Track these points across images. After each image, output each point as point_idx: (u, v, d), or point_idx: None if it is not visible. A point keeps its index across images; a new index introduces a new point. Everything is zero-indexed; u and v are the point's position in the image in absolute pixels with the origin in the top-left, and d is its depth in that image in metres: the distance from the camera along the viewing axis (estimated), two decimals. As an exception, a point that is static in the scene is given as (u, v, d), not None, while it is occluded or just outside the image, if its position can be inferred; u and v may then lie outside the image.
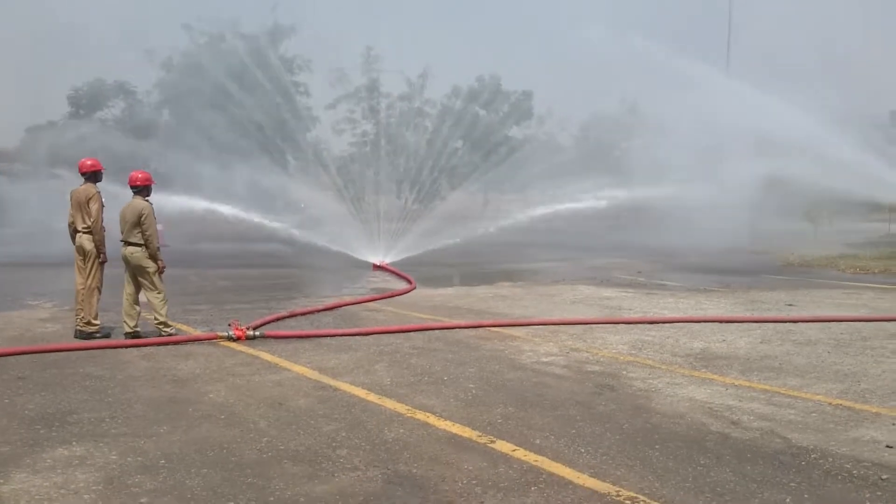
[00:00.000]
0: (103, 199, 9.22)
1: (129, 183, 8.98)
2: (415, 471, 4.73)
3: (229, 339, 8.91)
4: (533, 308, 11.77)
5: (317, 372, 7.43)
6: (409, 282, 14.84)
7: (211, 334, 9.07)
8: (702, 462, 4.83)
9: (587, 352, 8.33)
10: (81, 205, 9.11)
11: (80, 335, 9.09)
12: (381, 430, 5.58)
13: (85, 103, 34.87)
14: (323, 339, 9.16)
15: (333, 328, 9.84)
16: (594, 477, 4.56)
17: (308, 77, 38.48)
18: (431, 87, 39.31)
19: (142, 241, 8.79)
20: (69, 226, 9.37)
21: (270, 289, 14.12)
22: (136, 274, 8.89)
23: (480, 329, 9.77)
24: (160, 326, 8.91)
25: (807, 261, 19.37)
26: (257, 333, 9.08)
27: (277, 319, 10.43)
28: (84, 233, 9.14)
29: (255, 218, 18.35)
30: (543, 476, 4.59)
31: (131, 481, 4.59)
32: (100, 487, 4.50)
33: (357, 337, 9.27)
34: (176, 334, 9.01)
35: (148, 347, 8.53)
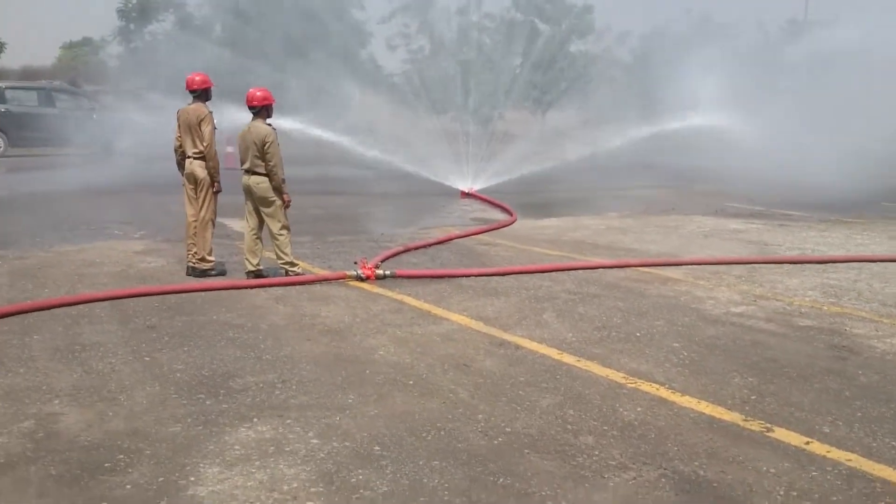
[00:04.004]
0: (215, 121, 8.22)
1: (247, 103, 7.93)
2: (702, 473, 3.77)
3: (358, 278, 8.02)
4: (664, 243, 10.69)
5: (481, 323, 6.49)
6: (509, 212, 13.77)
7: (339, 273, 8.17)
8: None
9: (776, 300, 7.28)
10: (192, 127, 8.10)
11: (194, 273, 8.23)
12: (612, 406, 4.64)
13: (135, 17, 33.56)
14: (458, 279, 8.20)
15: (458, 266, 8.95)
16: (950, 488, 3.56)
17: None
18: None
19: (266, 172, 7.78)
20: (176, 150, 8.40)
21: (365, 218, 13.16)
22: (260, 206, 7.93)
23: (628, 269, 8.74)
24: (286, 266, 8.01)
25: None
26: (387, 273, 8.17)
27: (395, 255, 9.50)
28: (196, 158, 8.16)
29: (346, 141, 17.26)
30: (878, 485, 3.62)
31: (356, 480, 3.70)
32: (320, 489, 3.62)
33: (495, 277, 8.30)
34: (302, 274, 8.10)
35: (276, 289, 7.65)
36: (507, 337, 6.08)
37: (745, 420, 4.41)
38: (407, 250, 9.89)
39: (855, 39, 22.86)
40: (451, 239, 10.93)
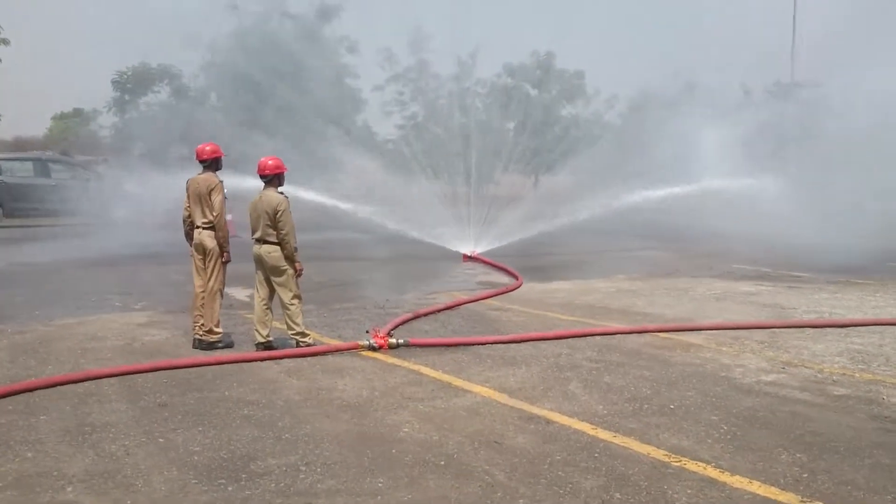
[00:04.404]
0: (226, 191, 8.08)
1: (259, 172, 7.81)
2: (772, 562, 3.51)
3: (371, 348, 7.80)
4: (678, 307, 10.51)
5: (505, 395, 6.25)
6: (515, 276, 13.59)
7: (351, 343, 7.93)
8: None
9: (805, 366, 7.07)
10: (202, 196, 7.96)
11: (201, 345, 7.99)
12: (661, 489, 4.38)
13: (130, 88, 33.75)
14: (474, 347, 7.98)
15: (472, 333, 8.81)
16: None
17: (355, 59, 37.17)
18: (483, 66, 37.57)
19: (278, 241, 7.62)
20: (184, 220, 8.25)
21: (369, 284, 12.97)
22: (271, 276, 7.73)
23: (647, 335, 8.54)
24: (297, 337, 7.77)
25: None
26: (401, 342, 7.94)
27: (405, 322, 9.29)
28: (205, 228, 8.01)
29: (363, 210, 17.22)
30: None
31: (400, 578, 3.41)
32: (363, 588, 3.33)
33: (513, 345, 8.09)
34: (314, 344, 7.86)
35: (288, 361, 7.40)
36: (535, 410, 5.84)
37: (803, 501, 4.18)
38: (416, 317, 9.68)
39: (840, 98, 23.15)
40: (459, 304, 10.73)
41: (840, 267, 14.21)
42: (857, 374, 6.76)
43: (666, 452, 4.91)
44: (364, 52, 36.80)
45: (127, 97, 33.43)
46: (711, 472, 4.60)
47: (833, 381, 6.59)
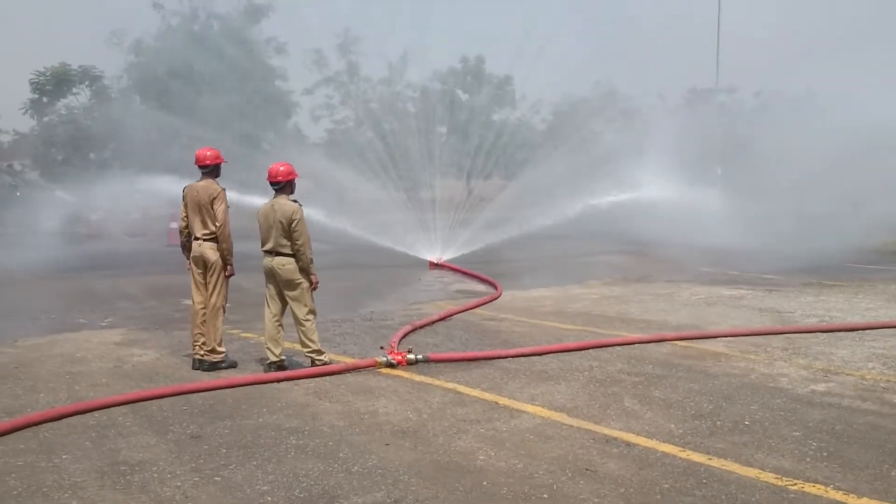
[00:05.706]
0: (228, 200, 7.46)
1: (270, 179, 7.22)
2: None
3: (388, 365, 7.32)
4: (675, 313, 10.38)
5: (564, 414, 5.90)
6: (492, 283, 13.26)
7: (369, 361, 7.44)
8: None
9: (845, 374, 6.96)
10: (202, 206, 7.32)
11: (202, 366, 7.36)
12: (794, 515, 4.07)
13: (49, 90, 31.84)
14: (497, 361, 7.60)
15: (481, 346, 8.43)
16: None
17: (285, 60, 36.23)
18: (413, 70, 37.34)
19: (292, 252, 7.05)
20: (181, 231, 7.58)
21: (344, 294, 12.42)
22: (284, 290, 7.15)
23: (666, 344, 8.32)
24: (313, 355, 7.22)
25: (888, 248, 18.07)
26: (420, 357, 7.48)
27: (406, 335, 8.86)
28: (205, 240, 7.36)
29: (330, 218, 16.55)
30: None
31: None
32: None
33: (532, 357, 7.74)
34: (330, 363, 7.31)
35: (308, 382, 6.85)
36: (606, 431, 5.49)
37: (956, 525, 3.94)
38: (415, 329, 9.27)
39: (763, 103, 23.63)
40: (451, 314, 10.34)
41: (803, 269, 14.40)
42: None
43: (774, 475, 4.63)
44: (293, 54, 36.00)
45: (45, 99, 31.57)
46: (835, 494, 4.33)
47: (883, 388, 6.48)
